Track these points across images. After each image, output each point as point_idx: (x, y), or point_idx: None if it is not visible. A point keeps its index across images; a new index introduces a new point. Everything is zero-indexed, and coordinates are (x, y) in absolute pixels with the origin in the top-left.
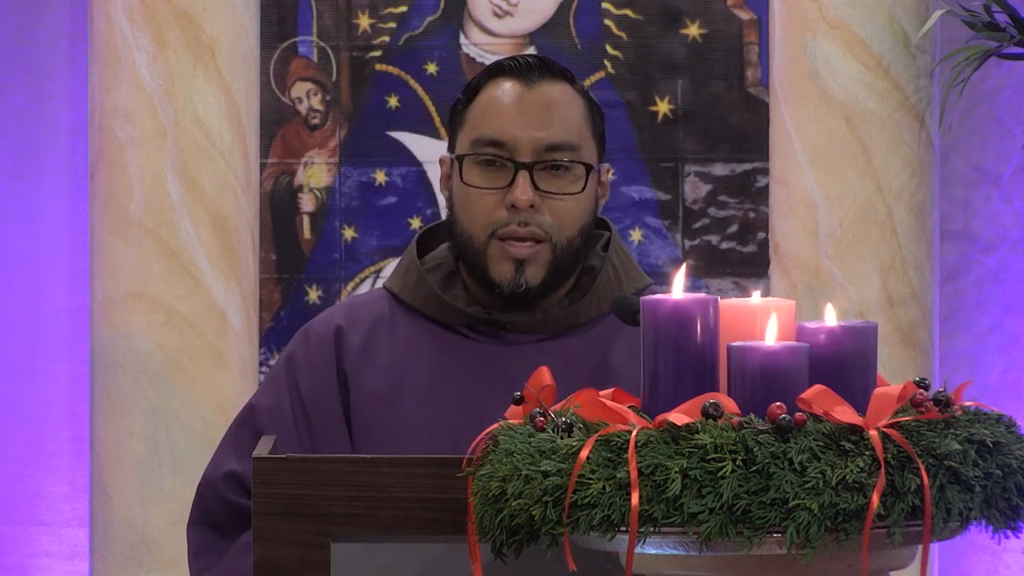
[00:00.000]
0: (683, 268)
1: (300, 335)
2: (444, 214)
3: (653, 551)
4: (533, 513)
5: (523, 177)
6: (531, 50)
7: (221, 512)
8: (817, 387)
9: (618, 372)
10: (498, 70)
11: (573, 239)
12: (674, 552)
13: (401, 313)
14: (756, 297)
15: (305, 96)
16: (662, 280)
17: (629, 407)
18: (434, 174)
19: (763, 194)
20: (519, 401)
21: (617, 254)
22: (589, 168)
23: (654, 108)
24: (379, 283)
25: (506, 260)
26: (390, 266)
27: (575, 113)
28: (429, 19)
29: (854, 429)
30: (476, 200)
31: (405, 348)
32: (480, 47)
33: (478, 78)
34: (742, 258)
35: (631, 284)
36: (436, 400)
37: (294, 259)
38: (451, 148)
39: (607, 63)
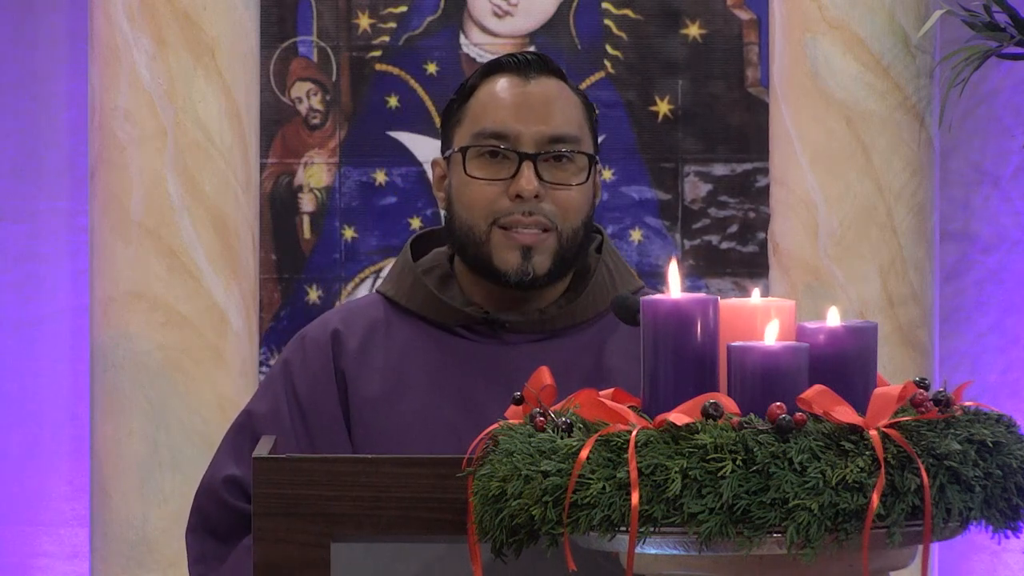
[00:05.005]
0: (674, 264)
1: (296, 340)
2: (442, 216)
3: (653, 551)
4: (533, 513)
5: (528, 167)
6: (531, 50)
7: (221, 517)
8: (817, 387)
9: (613, 373)
10: (495, 67)
11: (578, 230)
12: (674, 552)
13: (397, 316)
14: (756, 296)
15: (305, 96)
16: (659, 280)
17: (629, 407)
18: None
19: (763, 194)
20: (519, 401)
21: (610, 256)
22: (592, 158)
23: (654, 108)
24: (379, 283)
25: (511, 248)
26: (390, 266)
27: (574, 108)
28: (429, 19)
29: (854, 429)
30: (477, 190)
31: (402, 351)
32: (480, 47)
33: (474, 76)
34: (742, 258)
35: (624, 286)
36: (438, 402)
37: (294, 259)
38: (446, 147)
39: (607, 63)
